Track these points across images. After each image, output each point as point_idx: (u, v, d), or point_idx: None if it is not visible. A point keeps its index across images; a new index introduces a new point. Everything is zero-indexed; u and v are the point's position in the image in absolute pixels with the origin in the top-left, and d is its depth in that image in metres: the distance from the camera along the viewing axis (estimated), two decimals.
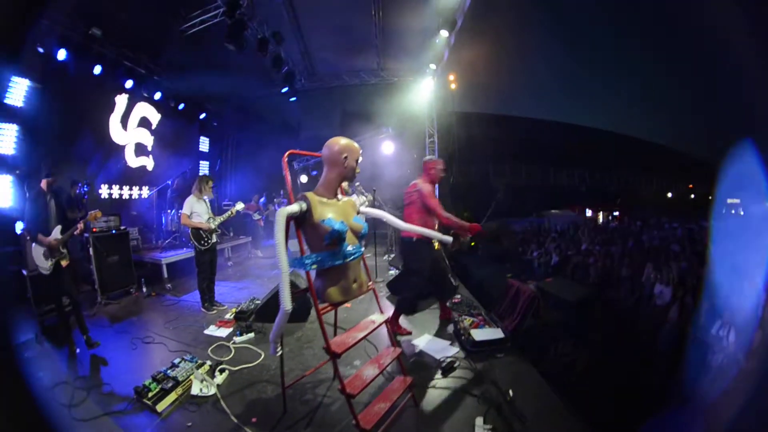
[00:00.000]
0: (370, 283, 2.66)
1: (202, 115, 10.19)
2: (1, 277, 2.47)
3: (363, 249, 2.46)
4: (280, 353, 2.28)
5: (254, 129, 12.45)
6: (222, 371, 3.28)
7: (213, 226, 4.94)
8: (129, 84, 7.44)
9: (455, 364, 3.27)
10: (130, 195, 7.98)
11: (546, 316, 4.48)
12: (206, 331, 4.31)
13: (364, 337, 2.44)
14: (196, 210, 4.92)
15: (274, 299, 4.39)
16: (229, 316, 4.65)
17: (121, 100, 7.55)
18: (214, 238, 5.03)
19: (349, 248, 2.28)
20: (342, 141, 2.36)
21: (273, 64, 8.45)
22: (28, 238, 3.80)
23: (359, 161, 2.40)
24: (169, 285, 6.04)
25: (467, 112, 16.52)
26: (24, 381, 1.46)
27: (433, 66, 8.97)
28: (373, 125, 11.83)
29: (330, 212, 2.26)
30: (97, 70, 6.63)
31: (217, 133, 11.46)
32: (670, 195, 21.78)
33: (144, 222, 7.77)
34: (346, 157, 2.32)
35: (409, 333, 4.04)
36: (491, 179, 21.40)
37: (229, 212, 5.17)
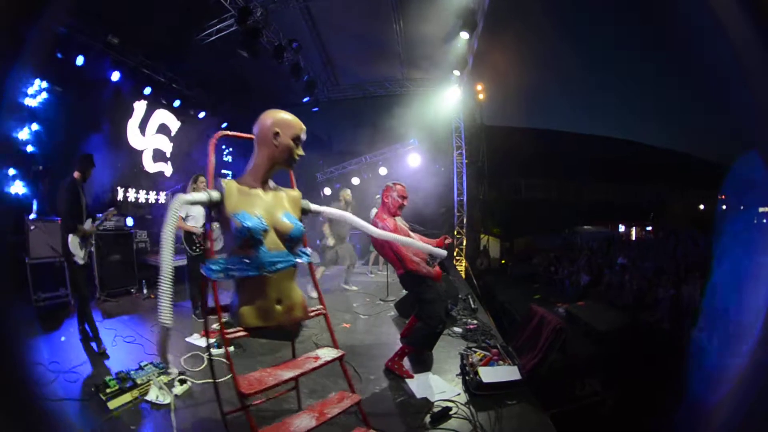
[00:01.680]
0: (316, 309, 2.02)
1: (224, 125, 10.29)
2: (6, 264, 2.44)
3: (298, 259, 1.85)
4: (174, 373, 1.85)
5: None
6: (183, 382, 3.02)
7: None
8: (147, 91, 7.58)
9: (450, 411, 2.58)
10: (147, 199, 8.05)
11: (573, 348, 3.81)
12: (187, 339, 4.07)
13: (294, 378, 1.88)
14: (192, 213, 4.75)
15: None
16: (215, 326, 4.38)
17: (140, 107, 7.67)
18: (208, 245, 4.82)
19: (270, 255, 1.72)
20: (277, 114, 1.83)
21: (291, 71, 8.40)
22: (66, 229, 3.66)
23: (300, 140, 1.87)
24: None
25: (497, 126, 16.09)
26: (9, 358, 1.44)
27: (457, 72, 8.64)
28: (402, 137, 11.54)
29: (249, 204, 1.74)
30: (116, 76, 6.74)
31: (240, 141, 11.43)
32: (702, 207, 20.07)
33: (158, 225, 7.79)
34: (277, 134, 1.78)
35: (411, 377, 3.21)
36: (523, 194, 20.64)
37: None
